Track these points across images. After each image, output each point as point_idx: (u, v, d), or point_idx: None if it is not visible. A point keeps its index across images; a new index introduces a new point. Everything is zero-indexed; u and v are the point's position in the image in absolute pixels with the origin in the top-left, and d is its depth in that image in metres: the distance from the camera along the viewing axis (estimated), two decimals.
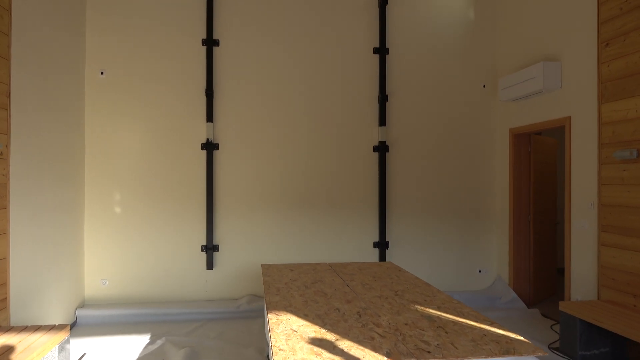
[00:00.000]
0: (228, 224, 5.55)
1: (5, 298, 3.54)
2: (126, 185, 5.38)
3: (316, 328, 2.43)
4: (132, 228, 5.38)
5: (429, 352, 2.09)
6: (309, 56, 5.73)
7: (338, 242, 5.75)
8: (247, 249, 5.59)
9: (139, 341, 4.49)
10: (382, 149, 5.79)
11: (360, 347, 2.15)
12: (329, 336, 2.30)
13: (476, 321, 2.55)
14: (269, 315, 2.65)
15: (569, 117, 4.76)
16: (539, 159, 5.90)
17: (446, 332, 2.36)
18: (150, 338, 4.58)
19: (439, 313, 2.70)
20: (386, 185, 5.83)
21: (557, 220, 7.04)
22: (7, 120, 3.58)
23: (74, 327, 4.90)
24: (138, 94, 5.42)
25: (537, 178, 5.85)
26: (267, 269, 4.06)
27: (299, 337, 2.29)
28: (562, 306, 4.10)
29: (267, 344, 4.10)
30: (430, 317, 2.61)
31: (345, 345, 2.18)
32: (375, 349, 2.14)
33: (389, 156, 5.86)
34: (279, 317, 2.60)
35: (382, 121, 5.79)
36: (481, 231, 6.04)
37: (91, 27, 5.34)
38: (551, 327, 4.92)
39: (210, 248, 5.47)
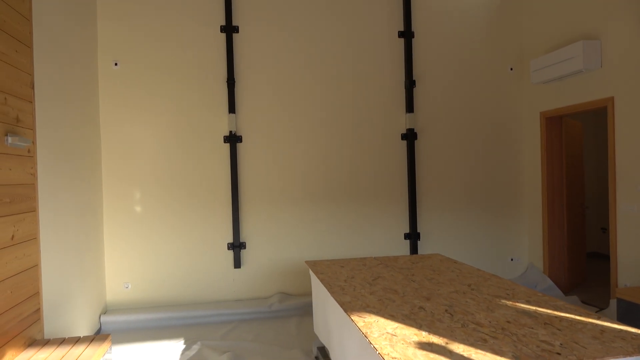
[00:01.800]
0: (254, 220, 5.29)
1: (39, 309, 3.24)
2: (145, 182, 5.07)
3: (414, 330, 2.21)
4: (154, 227, 5.08)
5: (558, 353, 1.89)
6: (331, 40, 5.46)
7: (368, 234, 5.53)
8: (274, 245, 5.33)
9: (173, 347, 4.22)
10: (410, 136, 5.57)
11: (480, 352, 1.93)
12: (436, 339, 2.08)
13: (580, 315, 2.36)
14: (352, 317, 2.41)
15: (612, 98, 4.60)
16: (568, 142, 5.75)
17: (559, 330, 2.16)
18: (185, 343, 4.31)
19: (534, 308, 2.50)
20: (416, 174, 5.62)
21: (586, 204, 6.93)
22: (32, 114, 3.26)
23: (99, 335, 4.60)
24: (155, 85, 5.09)
25: (568, 162, 5.71)
26: (314, 265, 3.82)
27: (402, 341, 2.07)
28: (620, 293, 3.96)
29: (314, 346, 3.87)
30: (528, 313, 2.41)
31: (461, 349, 1.97)
32: (496, 352, 1.92)
33: (418, 144, 5.64)
34: (366, 320, 2.37)
35: (410, 107, 5.57)
36: (511, 218, 5.89)
37: (102, 15, 4.98)
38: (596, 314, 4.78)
39: (237, 246, 5.20)
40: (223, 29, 5.21)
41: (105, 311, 4.91)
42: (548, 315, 2.37)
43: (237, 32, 5.24)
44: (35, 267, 3.21)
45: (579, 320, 2.30)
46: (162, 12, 5.10)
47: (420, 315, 2.44)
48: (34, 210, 3.21)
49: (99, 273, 4.75)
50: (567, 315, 2.37)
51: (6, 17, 2.93)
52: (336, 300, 2.76)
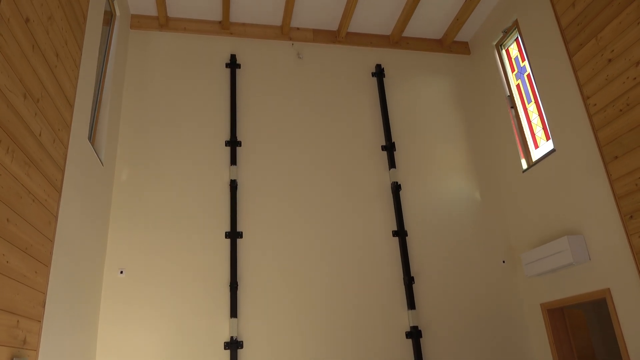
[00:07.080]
0: None
1: None
2: None
3: None
4: None
5: None
6: (331, 241, 5.73)
7: None
8: None
9: None
10: (415, 334, 5.45)
11: None
12: None
13: None
14: None
15: (608, 289, 4.72)
16: (575, 334, 5.66)
17: None
18: None
19: None
20: None
21: None
22: (38, 334, 3.21)
23: None
24: (157, 292, 5.12)
25: (579, 354, 5.53)
26: None
27: None
28: None
29: None
30: None
31: None
32: None
33: (424, 342, 5.49)
34: None
35: (411, 304, 5.58)
36: None
37: (114, 226, 5.28)
38: None
39: None
40: (227, 234, 5.49)
41: None
42: None
43: (241, 237, 5.52)
44: None
45: None
46: (169, 223, 5.42)
47: None
48: None
49: None
50: None
51: (33, 242, 3.12)
52: None
